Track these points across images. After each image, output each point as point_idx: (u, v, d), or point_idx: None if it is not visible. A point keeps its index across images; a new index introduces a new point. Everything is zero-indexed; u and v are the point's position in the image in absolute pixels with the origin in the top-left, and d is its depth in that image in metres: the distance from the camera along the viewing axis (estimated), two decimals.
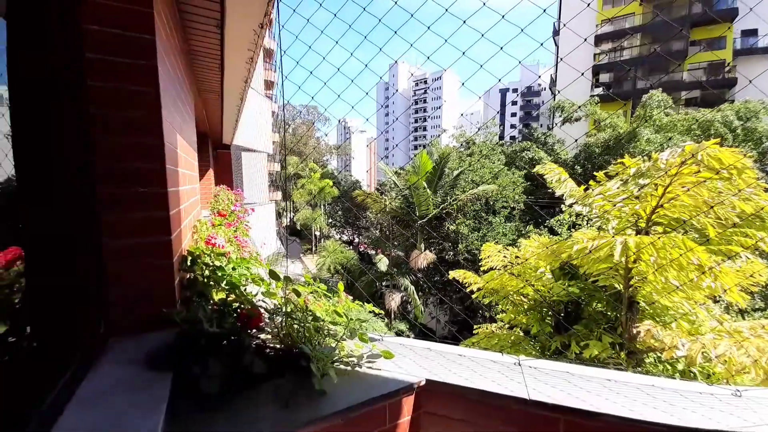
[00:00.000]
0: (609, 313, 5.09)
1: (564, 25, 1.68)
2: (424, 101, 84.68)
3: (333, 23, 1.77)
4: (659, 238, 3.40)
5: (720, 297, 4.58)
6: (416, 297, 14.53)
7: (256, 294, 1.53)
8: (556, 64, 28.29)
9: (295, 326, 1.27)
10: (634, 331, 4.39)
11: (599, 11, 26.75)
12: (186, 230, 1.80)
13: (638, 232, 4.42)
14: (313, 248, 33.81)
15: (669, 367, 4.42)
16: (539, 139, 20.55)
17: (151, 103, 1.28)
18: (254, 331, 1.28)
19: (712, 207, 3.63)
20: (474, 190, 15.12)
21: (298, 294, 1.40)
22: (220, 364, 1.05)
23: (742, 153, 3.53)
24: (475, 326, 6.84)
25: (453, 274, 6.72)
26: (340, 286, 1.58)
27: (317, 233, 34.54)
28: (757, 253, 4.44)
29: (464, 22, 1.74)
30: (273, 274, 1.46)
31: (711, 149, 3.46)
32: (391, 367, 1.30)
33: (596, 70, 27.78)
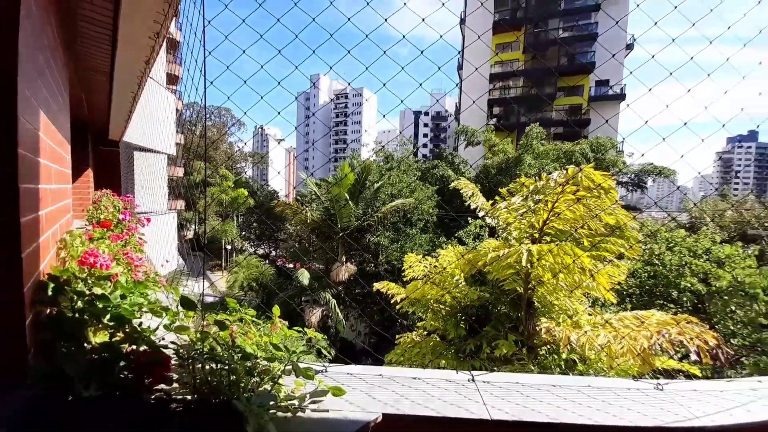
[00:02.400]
0: (512, 314, 5.62)
1: (464, 58, 1.75)
2: (345, 115, 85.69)
3: (257, 27, 1.56)
4: (557, 244, 3.88)
5: (589, 294, 5.51)
6: (338, 311, 14.12)
7: (157, 328, 1.15)
8: (460, 95, 31.71)
9: (218, 370, 0.97)
10: (533, 328, 4.93)
11: (493, 50, 30.97)
12: (47, 245, 1.29)
13: (533, 242, 5.03)
14: (223, 264, 30.36)
15: (556, 357, 5.07)
16: (447, 158, 22.50)
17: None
18: (159, 385, 0.93)
19: (595, 217, 4.32)
20: (393, 202, 15.62)
21: (223, 327, 1.08)
22: None
23: (608, 177, 4.30)
24: (396, 336, 6.86)
25: (377, 285, 6.67)
26: (276, 310, 1.30)
27: (228, 247, 31.26)
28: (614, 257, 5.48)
29: (384, 52, 1.70)
30: (185, 301, 1.12)
31: (587, 171, 4.14)
32: (341, 404, 1.09)
33: (491, 104, 31.99)
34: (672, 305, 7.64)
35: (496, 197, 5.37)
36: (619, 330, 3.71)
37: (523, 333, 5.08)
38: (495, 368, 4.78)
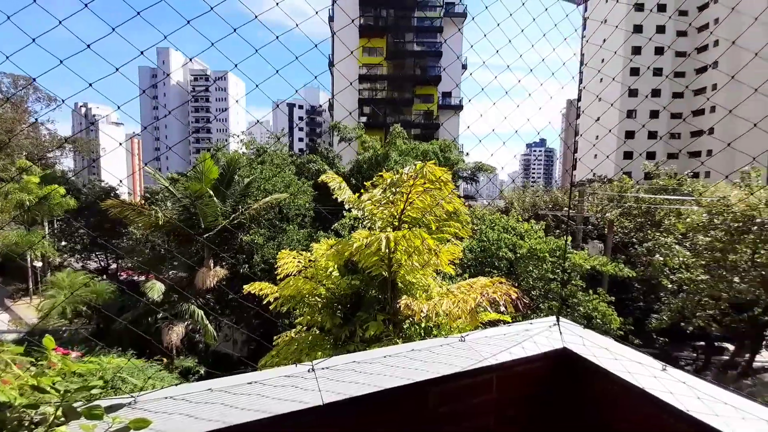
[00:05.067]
0: (380, 297, 6.09)
1: (334, 64, 1.78)
2: (207, 100, 74.20)
3: None
4: (410, 229, 4.36)
5: (440, 271, 6.50)
6: (206, 322, 12.33)
7: None
8: (332, 91, 31.93)
9: None
10: (397, 307, 5.48)
11: (359, 59, 32.33)
12: None
13: (395, 229, 5.55)
14: (31, 287, 22.20)
15: (417, 327, 5.79)
16: (323, 153, 22.43)
17: None
18: None
19: (438, 205, 5.03)
20: (267, 198, 14.54)
21: None
22: None
23: (446, 172, 5.09)
24: (274, 337, 6.51)
25: (247, 288, 6.13)
26: (48, 341, 0.99)
27: (38, 264, 23.10)
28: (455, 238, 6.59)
29: (256, 51, 1.54)
30: None
31: (430, 167, 4.80)
32: None
33: (361, 103, 33.44)
34: (495, 271, 9.81)
35: (362, 189, 5.66)
36: (457, 296, 4.49)
37: (389, 312, 5.58)
38: (367, 348, 5.09)
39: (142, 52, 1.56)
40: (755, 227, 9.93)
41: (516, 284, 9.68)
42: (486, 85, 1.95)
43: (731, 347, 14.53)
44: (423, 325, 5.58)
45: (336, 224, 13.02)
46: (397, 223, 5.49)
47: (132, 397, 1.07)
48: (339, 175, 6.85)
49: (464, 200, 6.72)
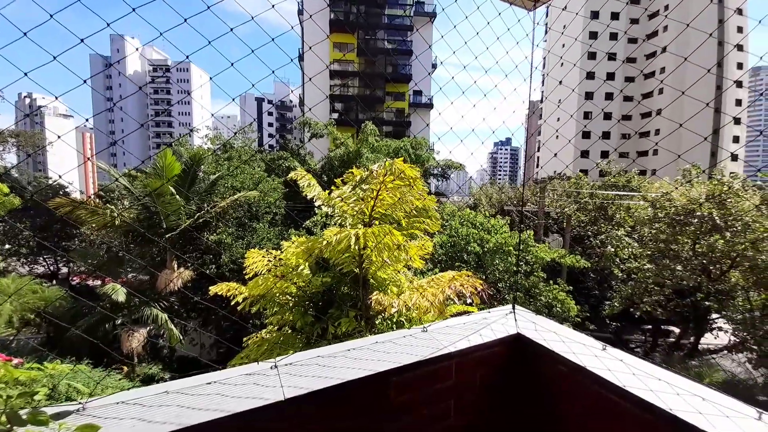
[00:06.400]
0: (352, 293, 6.09)
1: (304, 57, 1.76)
2: (168, 92, 69.72)
3: None
4: (379, 225, 4.39)
5: (411, 266, 6.61)
6: (171, 326, 11.70)
7: None
8: (303, 86, 31.19)
9: None
10: (368, 302, 5.51)
11: (330, 54, 31.79)
12: None
13: (365, 225, 5.56)
14: None
15: (389, 322, 5.86)
16: (293, 150, 21.90)
17: None
18: None
19: (408, 202, 5.09)
20: (235, 196, 13.98)
21: None
22: None
23: (416, 169, 5.17)
24: (244, 338, 6.32)
25: (213, 289, 5.91)
26: None
27: None
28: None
29: (209, 43, 1.47)
30: None
31: (399, 164, 4.85)
32: None
33: (332, 99, 32.94)
34: (464, 265, 10.12)
35: (332, 186, 5.61)
36: (426, 290, 4.60)
37: (361, 308, 5.60)
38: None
39: (82, 40, 1.46)
40: (695, 220, 10.93)
41: (484, 277, 10.09)
42: (445, 84, 2.00)
43: (677, 330, 15.94)
44: (395, 319, 5.66)
45: (308, 222, 12.81)
46: (367, 220, 5.50)
47: (80, 403, 1.01)
48: (310, 172, 6.73)
49: (435, 197, 6.86)
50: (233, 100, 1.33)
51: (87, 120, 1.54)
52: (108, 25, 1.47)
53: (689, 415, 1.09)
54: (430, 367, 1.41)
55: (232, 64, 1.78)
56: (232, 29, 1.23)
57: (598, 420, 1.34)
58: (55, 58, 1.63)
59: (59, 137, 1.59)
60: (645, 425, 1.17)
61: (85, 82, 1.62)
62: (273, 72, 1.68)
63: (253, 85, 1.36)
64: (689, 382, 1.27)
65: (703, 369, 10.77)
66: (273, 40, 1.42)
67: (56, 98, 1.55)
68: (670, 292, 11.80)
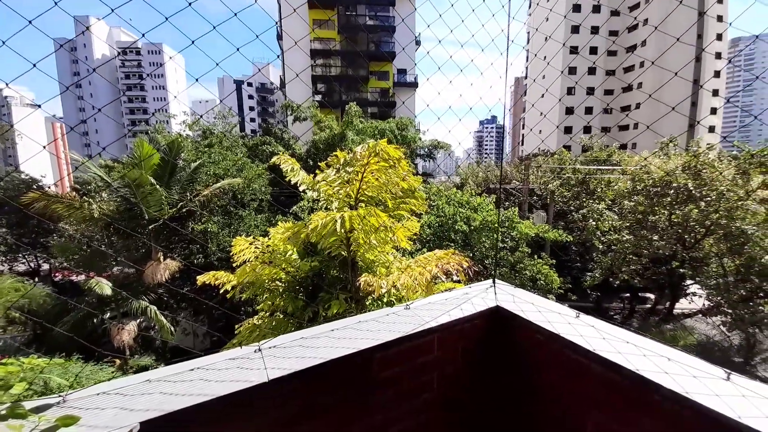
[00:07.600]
0: (341, 276, 6.14)
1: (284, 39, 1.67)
2: (140, 77, 66.12)
3: None
4: (365, 209, 4.38)
5: (399, 247, 6.67)
6: (161, 318, 11.63)
7: None
8: (283, 67, 30.01)
9: None
10: (357, 284, 5.57)
11: (310, 25, 30.44)
12: None
13: (352, 208, 5.54)
14: None
15: (379, 302, 5.96)
16: (277, 134, 21.32)
17: None
18: None
19: (394, 183, 5.08)
20: (218, 183, 13.64)
21: None
22: None
23: (400, 149, 5.12)
24: (236, 325, 6.34)
25: (201, 278, 5.85)
26: None
27: None
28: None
29: (166, 19, 1.36)
30: None
31: (383, 145, 4.79)
32: None
33: (314, 80, 31.88)
34: (452, 244, 10.29)
35: (317, 170, 5.53)
36: (414, 270, 4.67)
37: (351, 290, 5.66)
38: None
39: (30, 22, 1.36)
40: (671, 191, 11.32)
41: (471, 255, 10.29)
42: (420, 60, 1.96)
43: (654, 297, 16.77)
44: (385, 300, 5.76)
45: (295, 207, 12.66)
46: (353, 203, 5.48)
47: (60, 396, 1.01)
48: (295, 157, 6.59)
49: (422, 177, 6.84)
50: (196, 80, 1.26)
51: (40, 107, 1.44)
52: (56, 4, 1.36)
53: (655, 375, 1.15)
54: (412, 342, 1.46)
55: (193, 42, 1.68)
56: (190, 4, 1.16)
57: (569, 382, 1.42)
58: (3, 42, 1.51)
59: (11, 126, 1.49)
60: (611, 384, 1.24)
61: (34, 65, 1.52)
62: (243, 47, 1.60)
63: (217, 64, 1.29)
64: (658, 345, 1.34)
65: (678, 332, 11.43)
66: (246, 8, 1.35)
67: (6, 85, 1.45)
68: (647, 261, 12.34)
